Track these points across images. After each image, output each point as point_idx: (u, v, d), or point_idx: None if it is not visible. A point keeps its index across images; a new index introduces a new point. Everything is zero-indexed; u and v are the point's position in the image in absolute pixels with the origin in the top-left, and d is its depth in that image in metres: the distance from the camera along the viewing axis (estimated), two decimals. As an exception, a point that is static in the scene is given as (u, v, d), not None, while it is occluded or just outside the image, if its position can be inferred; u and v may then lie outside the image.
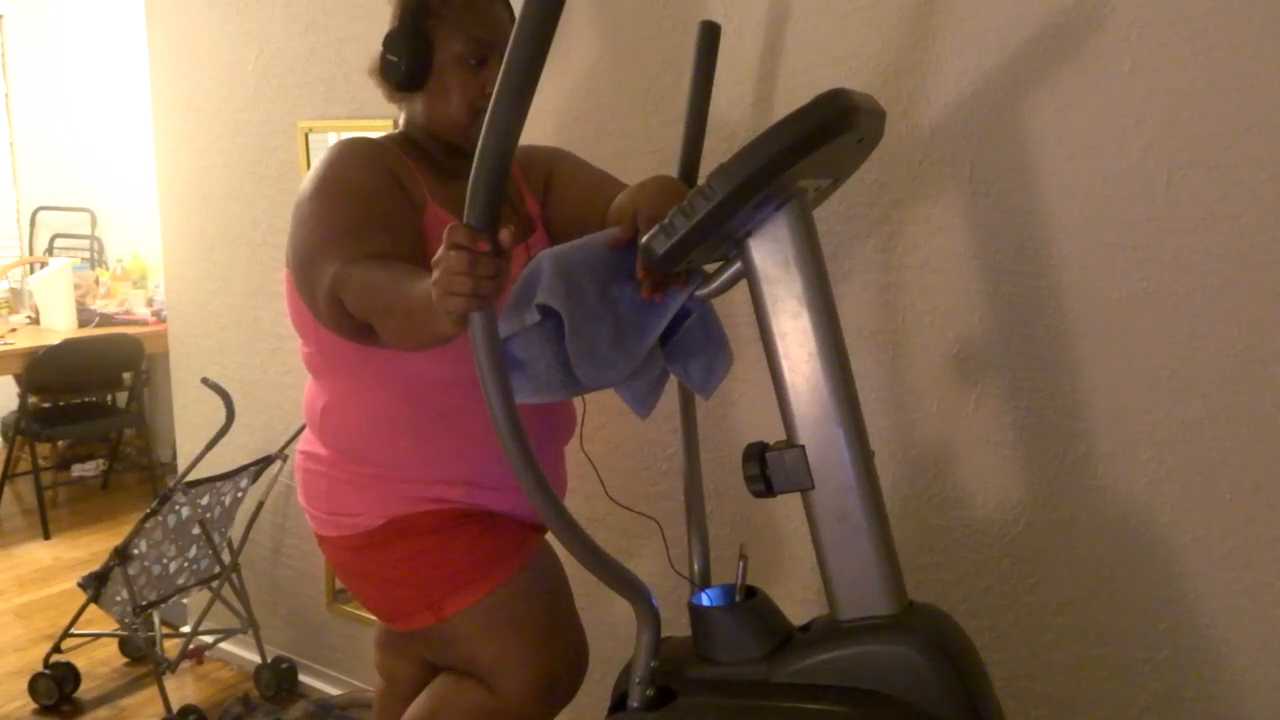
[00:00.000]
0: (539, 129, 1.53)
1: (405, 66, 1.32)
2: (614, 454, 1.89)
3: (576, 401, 1.47)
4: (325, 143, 2.24)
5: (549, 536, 1.46)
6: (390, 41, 1.34)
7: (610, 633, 1.88)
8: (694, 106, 1.42)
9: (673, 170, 1.53)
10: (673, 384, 1.47)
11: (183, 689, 2.57)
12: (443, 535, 1.36)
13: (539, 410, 1.34)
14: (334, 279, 1.21)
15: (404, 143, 1.39)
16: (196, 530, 2.40)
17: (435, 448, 1.37)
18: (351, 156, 1.31)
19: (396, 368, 1.35)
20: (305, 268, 1.27)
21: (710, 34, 1.41)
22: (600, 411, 1.85)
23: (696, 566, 1.41)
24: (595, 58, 1.79)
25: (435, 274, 0.98)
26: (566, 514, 1.07)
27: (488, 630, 1.36)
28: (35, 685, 2.51)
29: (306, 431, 1.48)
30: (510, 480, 1.36)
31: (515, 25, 0.95)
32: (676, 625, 1.35)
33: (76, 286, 4.29)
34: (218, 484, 2.37)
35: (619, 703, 1.21)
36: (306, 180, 1.33)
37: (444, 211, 1.34)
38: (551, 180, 1.50)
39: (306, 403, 1.46)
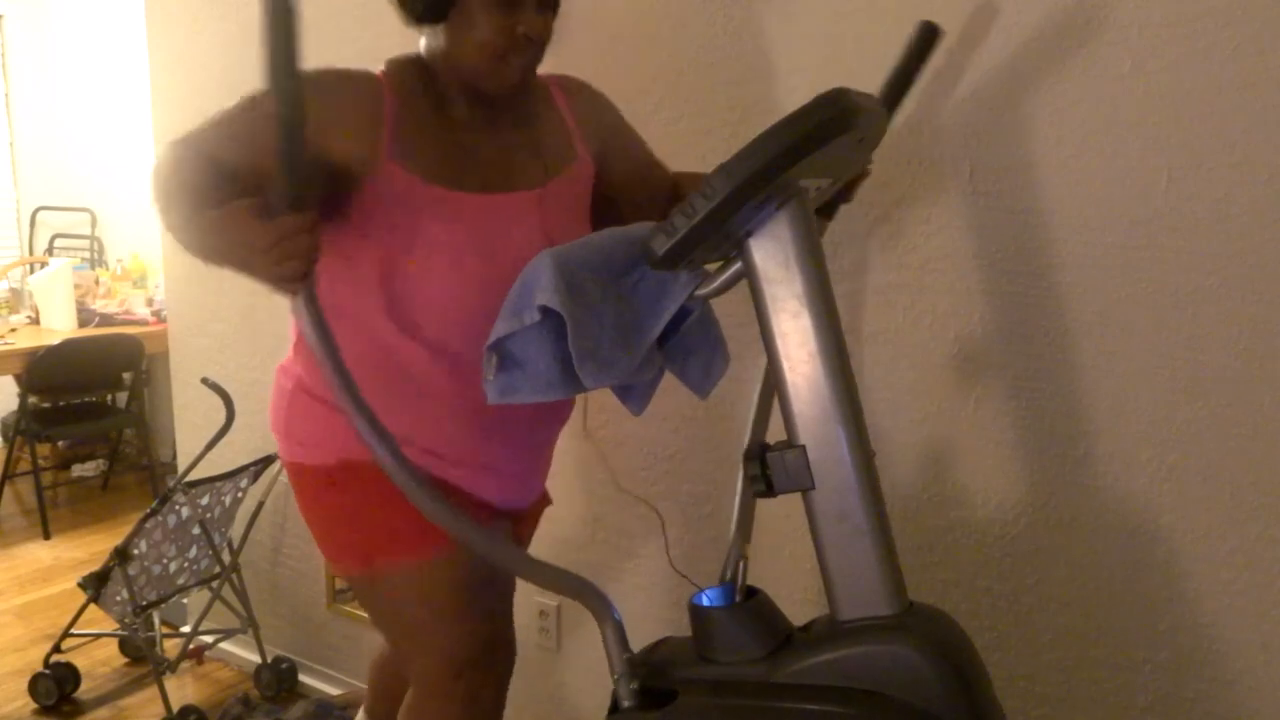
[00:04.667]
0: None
1: None
2: (614, 453, 1.89)
3: (579, 397, 1.46)
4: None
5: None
6: None
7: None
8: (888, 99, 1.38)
9: (675, 169, 1.53)
10: (671, 386, 1.47)
11: (183, 689, 2.57)
12: (393, 491, 1.26)
13: None
14: (180, 157, 1.22)
15: (404, 79, 1.29)
16: (196, 530, 2.40)
17: (399, 407, 1.30)
18: (326, 79, 1.25)
19: (375, 325, 1.30)
20: (186, 133, 1.26)
21: (927, 35, 1.36)
22: (600, 410, 1.85)
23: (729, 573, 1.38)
24: (596, 58, 1.79)
25: (265, 249, 1.05)
26: (467, 520, 1.15)
27: (409, 596, 1.34)
28: (35, 685, 2.51)
29: (290, 350, 1.45)
30: (474, 457, 1.36)
31: None
32: (677, 625, 1.35)
33: (76, 286, 4.29)
34: (218, 484, 2.37)
35: (619, 703, 1.21)
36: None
37: (397, 169, 1.24)
38: (607, 150, 1.45)
39: (293, 322, 1.40)
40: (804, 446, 1.11)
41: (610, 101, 1.49)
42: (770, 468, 1.12)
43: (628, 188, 1.46)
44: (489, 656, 1.40)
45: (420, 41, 1.32)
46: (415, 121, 1.28)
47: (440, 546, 1.32)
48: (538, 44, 1.28)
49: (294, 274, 1.07)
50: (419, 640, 1.37)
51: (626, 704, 1.16)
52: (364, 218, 1.26)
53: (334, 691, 2.45)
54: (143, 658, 2.68)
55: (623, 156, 1.47)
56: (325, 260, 1.24)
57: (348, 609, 2.40)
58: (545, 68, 1.36)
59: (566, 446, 1.85)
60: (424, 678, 1.39)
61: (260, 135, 1.16)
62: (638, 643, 1.24)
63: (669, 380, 1.38)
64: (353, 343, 1.25)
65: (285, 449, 1.41)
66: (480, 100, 1.32)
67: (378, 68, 1.32)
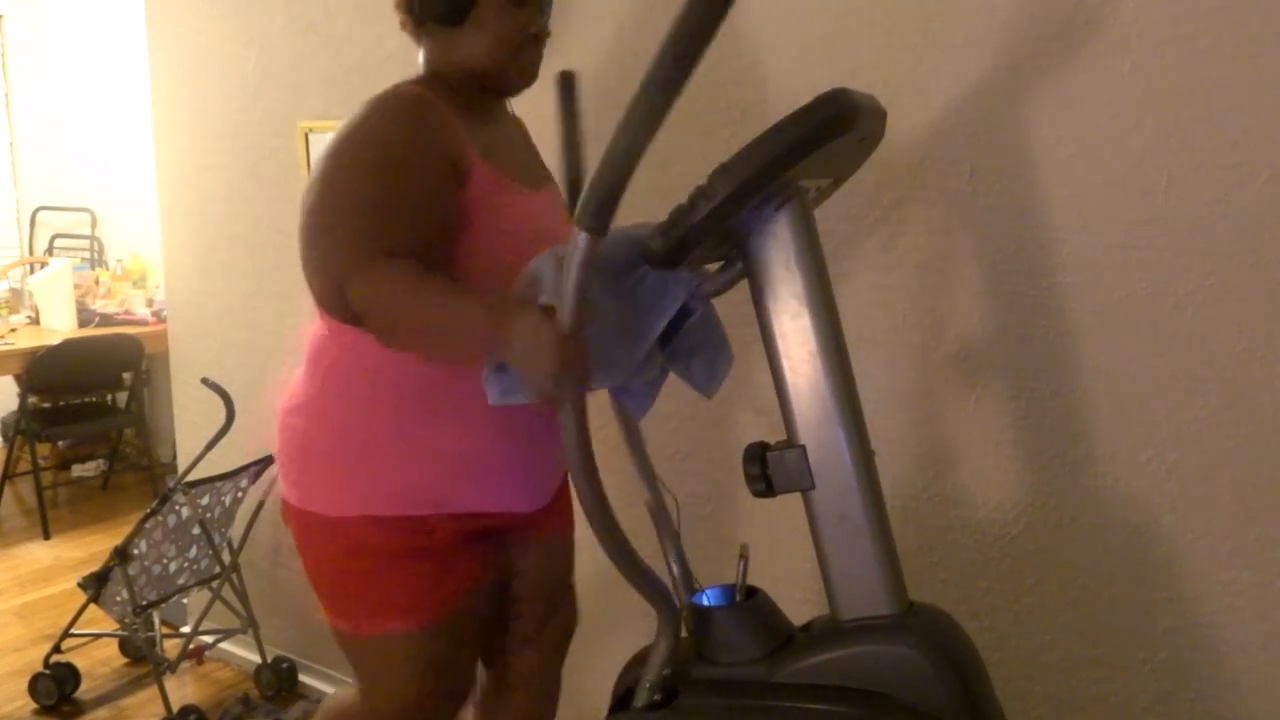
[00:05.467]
0: (536, 132, 1.53)
1: None
2: (614, 453, 1.89)
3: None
4: (325, 143, 2.24)
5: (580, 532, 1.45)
6: None
7: (612, 633, 1.88)
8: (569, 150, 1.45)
9: (675, 169, 1.53)
10: (671, 386, 1.47)
11: (183, 689, 2.57)
12: (390, 562, 1.30)
13: None
14: (349, 264, 1.15)
15: (440, 88, 1.30)
16: (196, 530, 2.40)
17: (436, 419, 1.30)
18: (395, 118, 1.21)
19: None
20: (316, 235, 1.19)
21: (567, 83, 1.45)
22: (600, 411, 1.85)
23: (676, 571, 1.39)
24: (596, 58, 1.79)
25: (540, 355, 1.05)
26: (611, 515, 1.11)
27: (386, 657, 1.34)
28: (35, 685, 2.51)
29: (297, 384, 1.38)
30: (500, 459, 1.36)
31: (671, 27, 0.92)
32: (677, 625, 1.35)
33: (76, 286, 4.30)
34: (218, 484, 2.37)
35: (620, 702, 1.21)
36: (339, 134, 1.22)
37: (489, 168, 1.26)
38: None
39: (312, 352, 1.35)
40: (804, 446, 1.11)
41: None
42: (770, 467, 1.12)
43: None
44: (452, 706, 1.41)
45: (419, 57, 1.34)
46: (471, 117, 1.30)
47: (432, 614, 1.32)
48: (542, 40, 1.33)
49: (576, 377, 1.07)
50: (380, 688, 1.37)
51: (638, 705, 1.16)
52: (467, 219, 1.25)
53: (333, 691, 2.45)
54: (143, 658, 2.68)
55: None
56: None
57: (348, 609, 2.40)
58: (547, 73, 1.38)
59: (566, 446, 1.85)
60: (373, 713, 1.39)
61: (430, 198, 1.19)
62: (637, 642, 1.24)
63: (669, 380, 1.38)
64: (411, 363, 1.26)
65: (296, 497, 1.35)
66: (489, 103, 1.36)
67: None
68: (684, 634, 1.23)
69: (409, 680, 1.34)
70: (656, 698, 1.16)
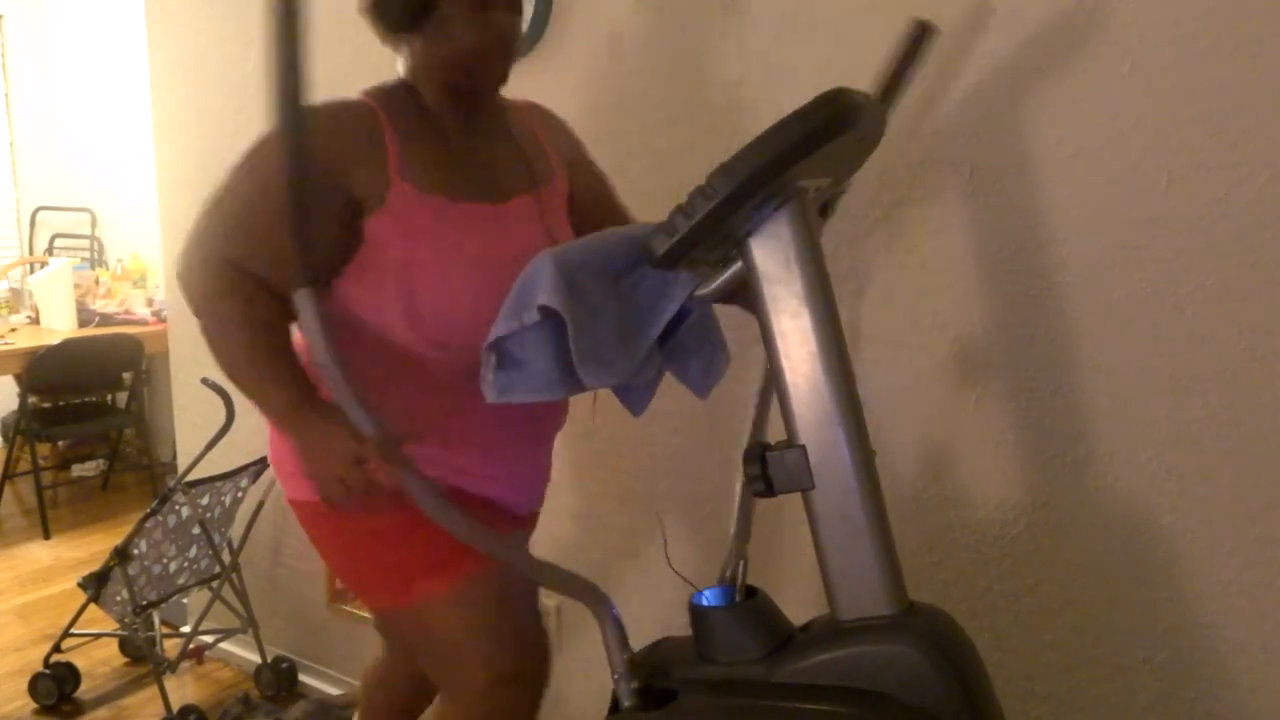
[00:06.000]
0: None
1: (402, 1, 1.25)
2: (614, 453, 1.89)
3: (588, 398, 1.45)
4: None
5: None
6: None
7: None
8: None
9: (677, 171, 1.53)
10: (670, 386, 1.47)
11: (183, 689, 2.57)
12: (413, 522, 1.25)
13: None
14: (214, 273, 1.22)
15: (391, 100, 1.30)
16: (196, 530, 2.40)
17: (428, 423, 1.31)
18: (311, 132, 1.17)
19: (400, 340, 1.29)
20: (203, 228, 1.25)
21: (920, 34, 1.35)
22: (600, 411, 1.85)
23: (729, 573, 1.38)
24: (597, 58, 1.79)
25: (341, 476, 1.14)
26: (494, 539, 1.19)
27: (449, 619, 1.32)
28: (35, 685, 2.51)
29: None
30: (500, 466, 1.36)
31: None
32: (677, 625, 1.35)
33: (76, 286, 4.30)
34: (218, 484, 2.37)
35: (618, 703, 1.21)
36: (261, 135, 1.25)
37: (410, 187, 1.25)
38: (575, 177, 1.47)
39: (302, 348, 1.35)
40: (804, 446, 1.11)
41: (576, 136, 1.51)
42: (770, 468, 1.12)
43: (587, 222, 1.45)
44: (524, 670, 1.37)
45: (397, 64, 1.34)
46: (413, 139, 1.29)
47: (477, 559, 1.30)
48: (510, 43, 1.31)
49: (343, 492, 1.16)
50: (458, 659, 1.34)
51: (627, 704, 1.17)
52: (381, 239, 1.25)
53: (334, 691, 2.45)
54: (143, 658, 2.68)
55: (586, 189, 1.48)
56: (347, 283, 1.26)
57: (348, 609, 2.40)
58: (548, 73, 1.37)
59: (566, 446, 1.86)
60: (461, 694, 1.35)
61: (277, 229, 1.17)
62: (637, 642, 1.24)
63: (669, 380, 1.38)
64: (378, 362, 1.26)
65: (291, 487, 1.37)
66: (465, 110, 1.33)
67: (355, 91, 1.33)
68: (684, 634, 1.23)
69: (479, 642, 1.31)
70: (635, 685, 1.16)
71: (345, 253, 1.26)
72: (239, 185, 1.25)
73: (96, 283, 4.55)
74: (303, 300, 1.10)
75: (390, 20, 1.28)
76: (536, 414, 1.39)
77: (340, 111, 1.27)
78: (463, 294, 1.25)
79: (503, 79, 1.32)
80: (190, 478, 2.34)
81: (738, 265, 1.15)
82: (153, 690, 2.41)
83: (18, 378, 3.90)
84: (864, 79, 1.52)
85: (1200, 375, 1.32)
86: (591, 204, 1.49)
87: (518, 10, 1.32)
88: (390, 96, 1.31)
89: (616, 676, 1.17)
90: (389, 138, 1.26)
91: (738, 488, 1.35)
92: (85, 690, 2.57)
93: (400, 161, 1.26)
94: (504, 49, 1.30)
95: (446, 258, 1.26)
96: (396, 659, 1.68)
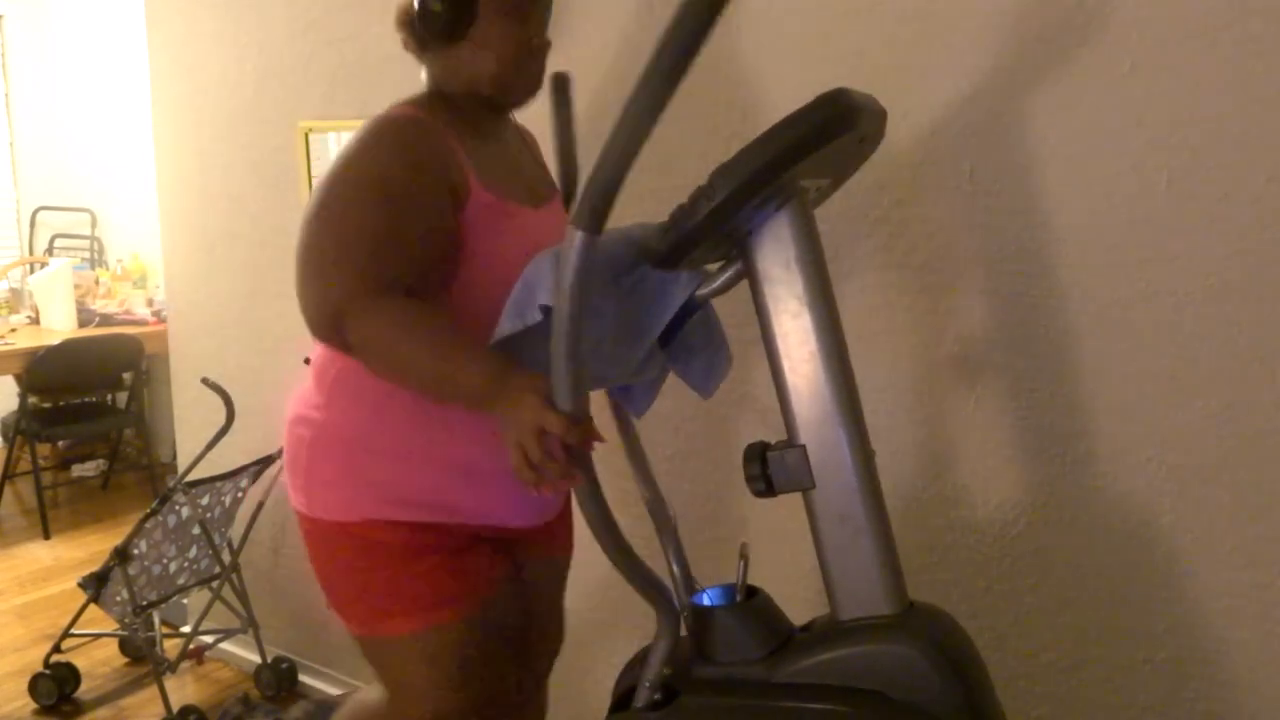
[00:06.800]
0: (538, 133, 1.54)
1: (447, 13, 1.25)
2: (613, 453, 1.89)
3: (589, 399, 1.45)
4: (325, 143, 2.25)
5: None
6: None
7: (612, 633, 1.88)
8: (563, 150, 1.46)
9: (675, 170, 1.53)
10: (670, 386, 1.47)
11: (183, 689, 2.57)
12: (406, 558, 1.30)
13: None
14: (349, 300, 1.15)
15: (442, 109, 1.30)
16: (196, 530, 2.40)
17: (442, 428, 1.31)
18: (395, 147, 1.21)
19: None
20: (314, 268, 1.18)
21: (561, 86, 1.45)
22: (599, 412, 1.85)
23: (676, 571, 1.39)
24: (597, 58, 1.79)
25: (525, 448, 1.08)
26: (609, 514, 1.11)
27: (411, 658, 1.33)
28: (35, 685, 2.51)
29: (304, 394, 1.38)
30: (506, 470, 1.36)
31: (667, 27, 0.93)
32: (677, 625, 1.35)
33: (76, 286, 4.30)
34: (218, 484, 2.37)
35: (620, 702, 1.22)
36: (338, 162, 1.21)
37: (488, 195, 1.26)
38: None
39: (318, 364, 1.36)
40: (804, 446, 1.11)
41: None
42: (770, 467, 1.12)
43: None
44: (492, 709, 1.38)
45: (421, 74, 1.35)
46: (472, 139, 1.30)
47: (451, 612, 1.31)
48: (544, 52, 1.34)
49: (565, 474, 1.09)
50: (413, 696, 1.35)
51: (638, 705, 1.16)
52: (465, 242, 1.25)
53: (334, 691, 2.45)
54: (143, 658, 2.68)
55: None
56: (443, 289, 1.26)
57: (348, 609, 2.40)
58: (547, 74, 1.38)
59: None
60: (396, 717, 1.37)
61: (432, 229, 1.21)
62: (638, 642, 1.24)
63: (669, 380, 1.38)
64: None
65: (304, 503, 1.36)
66: (494, 119, 1.36)
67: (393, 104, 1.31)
68: (684, 634, 1.23)
69: (430, 685, 1.33)
70: (657, 697, 1.16)
71: (451, 260, 1.25)
72: (352, 209, 1.19)
73: (96, 283, 4.55)
74: (574, 238, 1.02)
75: (434, 31, 1.28)
76: None
77: (408, 128, 1.24)
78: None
79: (538, 87, 1.35)
80: (190, 478, 2.34)
81: (738, 265, 1.15)
82: (153, 690, 2.41)
83: (18, 378, 3.90)
84: (864, 79, 1.52)
85: (1200, 375, 1.32)
86: None
87: (548, 16, 1.35)
88: (432, 106, 1.30)
89: (648, 683, 1.17)
90: (455, 141, 1.27)
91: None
92: (85, 690, 2.57)
93: (471, 167, 1.27)
94: (539, 58, 1.33)
95: (494, 264, 1.27)
96: None
